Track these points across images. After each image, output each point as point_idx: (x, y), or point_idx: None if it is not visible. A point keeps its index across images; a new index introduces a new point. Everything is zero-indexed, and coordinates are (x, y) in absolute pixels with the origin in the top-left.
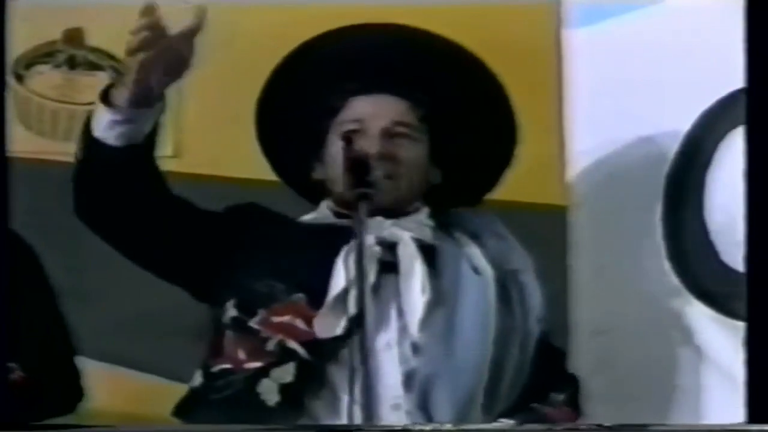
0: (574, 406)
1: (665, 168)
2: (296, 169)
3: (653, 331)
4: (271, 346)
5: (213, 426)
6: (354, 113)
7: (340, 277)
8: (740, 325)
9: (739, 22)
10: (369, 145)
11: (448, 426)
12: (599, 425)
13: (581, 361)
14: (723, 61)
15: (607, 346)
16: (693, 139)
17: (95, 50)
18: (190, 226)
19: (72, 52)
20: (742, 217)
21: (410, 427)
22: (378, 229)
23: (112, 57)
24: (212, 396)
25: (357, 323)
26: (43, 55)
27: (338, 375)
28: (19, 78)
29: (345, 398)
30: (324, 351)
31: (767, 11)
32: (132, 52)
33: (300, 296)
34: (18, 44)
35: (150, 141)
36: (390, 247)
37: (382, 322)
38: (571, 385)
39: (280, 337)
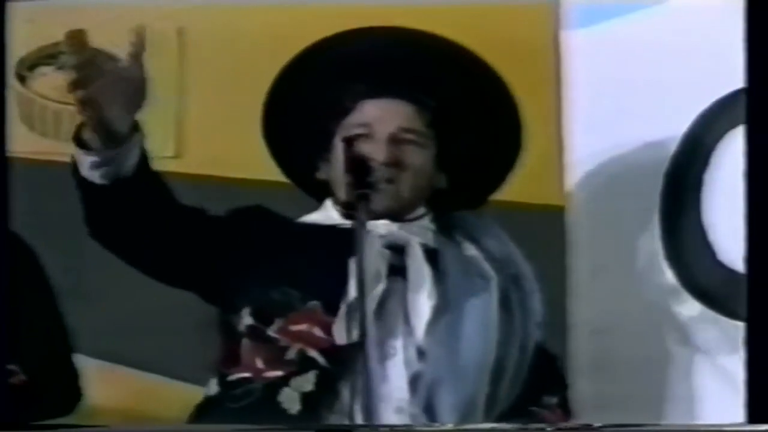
0: (565, 408)
1: (664, 168)
2: (301, 169)
3: (652, 331)
4: (291, 354)
5: (213, 426)
6: (362, 117)
7: (354, 284)
8: (739, 325)
9: (739, 23)
10: (376, 150)
11: (448, 426)
12: (599, 425)
13: (580, 360)
14: (723, 62)
15: (606, 345)
16: (692, 139)
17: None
18: (201, 234)
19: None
20: (742, 217)
21: (410, 428)
22: (387, 232)
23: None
24: (230, 405)
25: (363, 327)
26: (46, 56)
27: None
28: (23, 79)
29: (350, 401)
30: (343, 358)
31: (767, 11)
32: (71, 90)
33: (315, 303)
34: (21, 46)
35: (140, 169)
36: (398, 251)
37: (388, 326)
38: (562, 387)
39: (299, 345)
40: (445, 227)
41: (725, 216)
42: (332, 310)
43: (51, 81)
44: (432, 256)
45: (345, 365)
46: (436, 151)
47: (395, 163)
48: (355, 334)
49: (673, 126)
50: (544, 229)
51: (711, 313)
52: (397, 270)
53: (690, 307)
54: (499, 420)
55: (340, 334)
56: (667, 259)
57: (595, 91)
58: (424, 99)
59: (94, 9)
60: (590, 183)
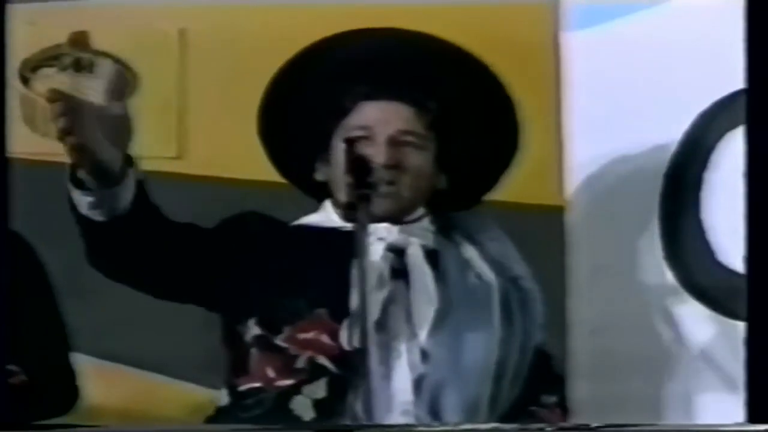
0: (564, 407)
1: (664, 168)
2: (299, 170)
3: (652, 331)
4: (301, 363)
5: (213, 426)
6: (361, 119)
7: (357, 287)
8: (738, 325)
9: (739, 23)
10: (376, 153)
11: (447, 426)
12: (599, 425)
13: (580, 360)
14: (723, 62)
15: (606, 345)
16: (692, 140)
17: (101, 53)
18: (200, 249)
19: (77, 55)
20: (742, 217)
21: (410, 428)
22: (387, 235)
23: (117, 60)
24: (241, 414)
25: (364, 328)
26: (49, 58)
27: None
28: (26, 81)
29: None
30: (353, 363)
31: (767, 11)
32: (62, 138)
33: (322, 311)
34: (23, 47)
35: (137, 202)
36: (398, 253)
37: (392, 329)
38: (561, 387)
39: (309, 353)
40: (445, 228)
41: (725, 216)
42: (338, 316)
43: (54, 82)
44: (432, 257)
45: (355, 370)
46: (435, 152)
47: (395, 166)
48: (361, 339)
49: (673, 126)
50: (544, 230)
51: (711, 313)
52: (399, 272)
53: (690, 307)
54: (499, 420)
55: (348, 339)
56: (667, 259)
57: (595, 91)
58: (423, 101)
59: (96, 10)
60: (590, 183)
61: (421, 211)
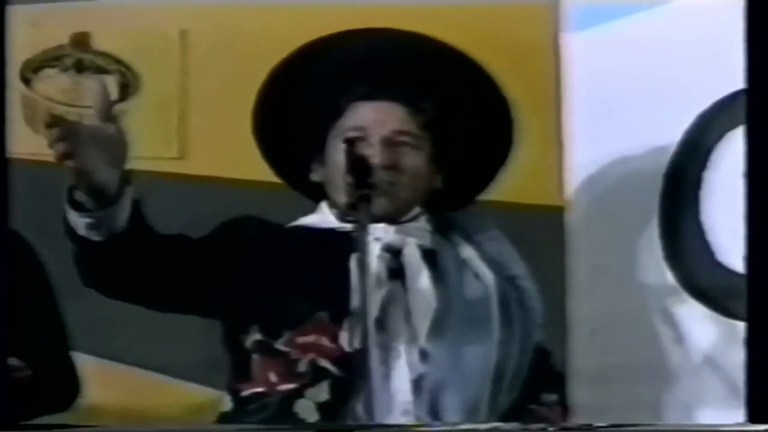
0: (564, 405)
1: (664, 168)
2: (294, 171)
3: (651, 331)
4: (302, 366)
5: (214, 426)
6: (356, 120)
7: (356, 288)
8: (738, 325)
9: (739, 23)
10: (371, 153)
11: (447, 426)
12: (599, 425)
13: (579, 360)
14: (723, 63)
15: (605, 345)
16: (692, 140)
17: (102, 54)
18: (195, 261)
19: (79, 55)
20: (741, 217)
21: (410, 428)
22: (384, 236)
23: (118, 61)
24: (245, 420)
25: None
26: (51, 59)
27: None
28: (28, 81)
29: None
30: (355, 365)
31: (767, 11)
32: (61, 162)
33: (322, 314)
34: (25, 48)
35: (133, 220)
36: (395, 253)
37: (391, 329)
38: (560, 385)
39: (310, 356)
40: (442, 228)
41: (725, 216)
42: (338, 318)
43: (56, 83)
44: (430, 257)
45: (357, 372)
46: (431, 152)
47: (391, 166)
48: (362, 340)
49: (673, 127)
50: (544, 230)
51: (711, 313)
52: (396, 273)
53: (690, 308)
54: (500, 419)
55: (348, 341)
56: (667, 259)
57: (595, 92)
58: (417, 101)
59: (98, 11)
60: (590, 184)
61: (417, 210)
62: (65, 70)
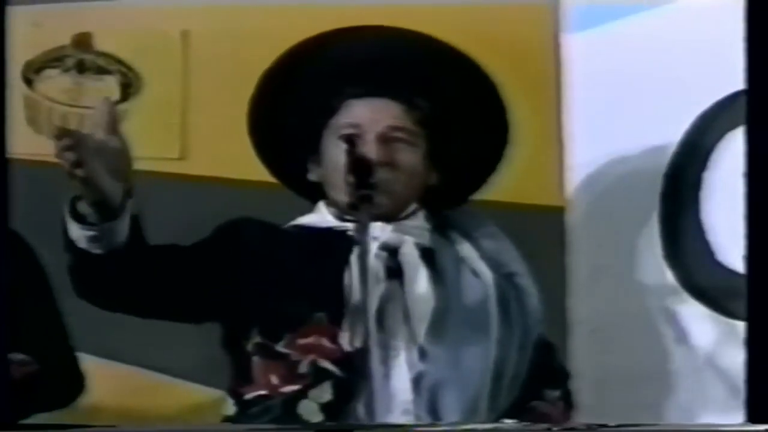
0: (568, 401)
1: (664, 169)
2: (290, 171)
3: (651, 331)
4: (303, 368)
5: (214, 426)
6: (351, 117)
7: (356, 288)
8: (738, 325)
9: (739, 24)
10: (367, 150)
11: (447, 426)
12: (596, 425)
13: (579, 360)
14: (723, 63)
15: (605, 345)
16: (692, 140)
17: (103, 54)
18: (193, 269)
19: (81, 56)
20: (741, 217)
21: (411, 427)
22: (380, 234)
23: (120, 61)
24: (249, 423)
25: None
26: (52, 59)
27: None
28: (30, 82)
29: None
30: (356, 364)
31: (767, 11)
32: (71, 172)
33: (321, 315)
34: (28, 49)
35: (133, 234)
36: (392, 252)
37: (390, 328)
38: (564, 380)
39: (311, 357)
40: (439, 226)
41: (725, 216)
42: (337, 318)
43: (57, 84)
44: (427, 255)
45: (358, 372)
46: (426, 149)
47: (387, 163)
48: (361, 340)
49: (673, 127)
50: (544, 230)
51: (711, 313)
52: (393, 271)
53: (690, 307)
54: (502, 416)
55: (348, 341)
56: (667, 259)
57: (595, 92)
58: (411, 97)
59: (99, 12)
60: (590, 184)
61: (413, 207)
62: (67, 70)
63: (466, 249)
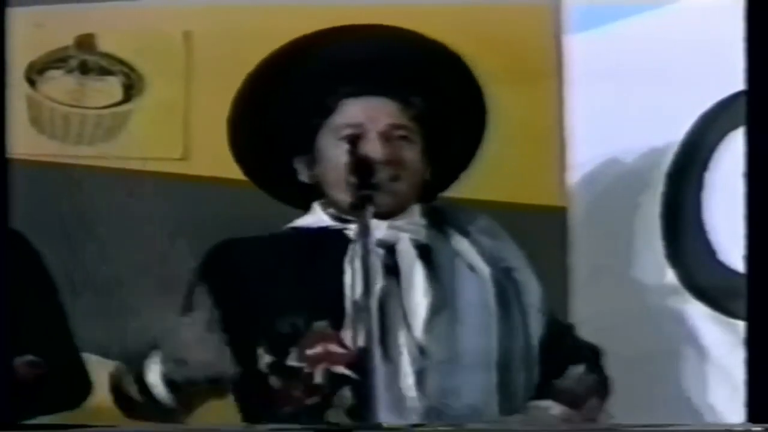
0: (600, 374)
1: (665, 168)
2: (272, 171)
3: (652, 331)
4: (318, 378)
5: (215, 426)
6: (350, 117)
7: (355, 287)
8: (739, 324)
9: (739, 24)
10: (371, 149)
11: (445, 427)
12: (600, 425)
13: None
14: (723, 63)
15: (606, 345)
16: (692, 140)
17: (106, 55)
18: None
19: (84, 57)
20: (742, 218)
21: (412, 427)
22: (376, 231)
23: (122, 62)
24: None
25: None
26: (55, 60)
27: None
28: (33, 83)
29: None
30: (361, 364)
31: (767, 12)
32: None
33: (322, 323)
34: (30, 50)
35: None
36: (389, 249)
37: (387, 326)
38: (588, 354)
39: (323, 366)
40: (435, 222)
41: (725, 216)
42: (340, 320)
43: (60, 84)
44: (423, 251)
45: (362, 372)
46: (423, 145)
47: (392, 161)
48: (367, 339)
49: (673, 127)
50: (544, 230)
51: (711, 313)
52: (390, 268)
53: (690, 307)
54: (528, 399)
55: (351, 341)
56: (668, 259)
57: (595, 92)
58: (407, 96)
59: (102, 13)
60: (591, 184)
61: (409, 204)
62: (70, 71)
63: (461, 243)
